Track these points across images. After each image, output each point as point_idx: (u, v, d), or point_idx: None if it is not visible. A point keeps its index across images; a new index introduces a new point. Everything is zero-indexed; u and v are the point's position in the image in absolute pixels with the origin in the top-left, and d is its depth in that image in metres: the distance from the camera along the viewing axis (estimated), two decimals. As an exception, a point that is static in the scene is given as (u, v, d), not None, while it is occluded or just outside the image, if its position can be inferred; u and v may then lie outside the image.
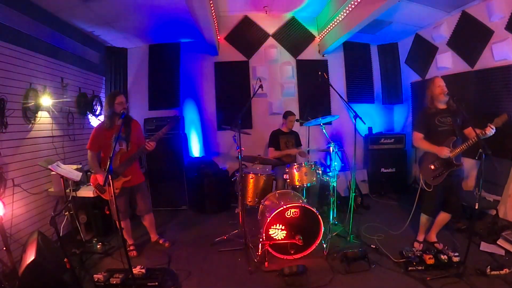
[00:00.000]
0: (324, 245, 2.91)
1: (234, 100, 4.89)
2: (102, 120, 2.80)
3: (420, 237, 3.02)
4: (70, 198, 2.91)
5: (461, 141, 2.60)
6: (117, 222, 2.88)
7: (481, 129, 2.41)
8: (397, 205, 4.39)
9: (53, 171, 2.79)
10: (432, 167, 2.71)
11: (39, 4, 3.16)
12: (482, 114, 3.40)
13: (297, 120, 4.47)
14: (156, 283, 2.39)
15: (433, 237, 2.99)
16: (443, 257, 2.50)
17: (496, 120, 2.40)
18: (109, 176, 1.99)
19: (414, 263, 2.52)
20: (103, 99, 4.56)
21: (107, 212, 2.87)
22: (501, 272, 2.36)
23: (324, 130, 3.40)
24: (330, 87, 4.14)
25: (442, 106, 2.74)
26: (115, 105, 2.76)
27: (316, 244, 2.90)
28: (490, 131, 2.37)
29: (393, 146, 4.94)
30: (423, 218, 2.93)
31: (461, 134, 2.65)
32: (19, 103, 2.86)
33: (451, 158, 2.59)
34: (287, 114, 4.08)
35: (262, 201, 3.18)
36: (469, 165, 3.75)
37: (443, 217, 2.88)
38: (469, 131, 2.61)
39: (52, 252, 2.35)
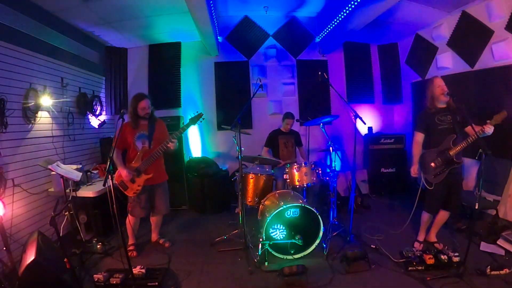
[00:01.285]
0: (324, 245, 2.91)
1: (234, 100, 4.89)
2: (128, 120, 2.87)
3: (421, 237, 3.02)
4: (70, 198, 2.90)
5: (461, 139, 2.61)
6: (128, 216, 2.94)
7: (480, 126, 2.42)
8: (397, 205, 4.39)
9: (53, 171, 2.79)
10: (433, 165, 2.72)
11: (39, 4, 3.16)
12: (482, 114, 3.40)
13: (297, 120, 4.47)
14: (156, 283, 2.39)
15: (433, 237, 2.99)
16: (443, 257, 2.50)
17: (495, 117, 2.41)
18: (110, 175, 2.00)
19: (414, 263, 2.53)
20: (103, 99, 4.57)
21: (129, 209, 2.92)
22: (501, 272, 2.36)
23: (324, 130, 3.40)
24: (330, 87, 4.15)
25: (442, 105, 2.76)
26: (138, 109, 2.84)
27: (316, 244, 2.90)
28: (489, 129, 2.39)
29: (393, 146, 4.95)
30: (425, 216, 2.93)
31: (462, 131, 2.67)
32: (19, 103, 2.86)
33: (451, 156, 2.60)
34: (284, 117, 4.03)
35: (262, 201, 3.18)
36: (469, 165, 3.76)
37: (442, 215, 2.89)
38: (469, 129, 2.62)
39: (52, 252, 2.35)
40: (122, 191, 2.86)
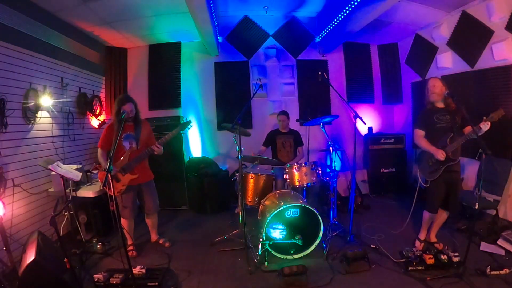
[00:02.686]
0: (324, 245, 2.91)
1: (234, 100, 4.89)
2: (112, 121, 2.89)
3: (422, 235, 3.02)
4: (70, 198, 2.90)
5: (458, 137, 2.62)
6: (121, 221, 2.93)
7: (477, 125, 2.42)
8: (397, 205, 4.39)
9: (53, 171, 2.79)
10: (430, 163, 2.75)
11: (39, 4, 3.16)
12: (482, 114, 3.40)
13: (297, 120, 4.48)
14: (156, 283, 2.39)
15: (433, 237, 2.99)
16: (443, 257, 2.50)
17: (492, 114, 2.40)
18: (109, 175, 2.00)
19: (414, 263, 2.53)
20: (103, 99, 4.56)
21: (112, 208, 2.88)
22: (501, 272, 2.36)
23: (324, 130, 3.40)
24: (330, 87, 4.15)
25: (440, 105, 2.77)
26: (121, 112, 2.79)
27: (316, 244, 2.90)
28: (485, 125, 2.37)
29: (393, 146, 4.94)
30: (426, 215, 2.92)
31: (459, 131, 2.68)
32: (19, 103, 2.86)
33: (448, 153, 2.62)
34: (278, 114, 4.08)
35: (262, 201, 3.18)
36: (469, 165, 3.77)
37: (441, 215, 2.90)
38: (467, 129, 2.64)
39: (52, 252, 2.35)
40: (107, 191, 2.81)
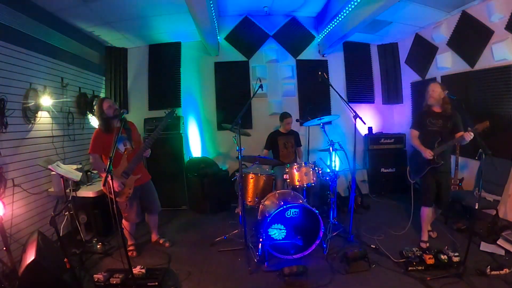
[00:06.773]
0: (324, 245, 2.91)
1: (234, 100, 4.88)
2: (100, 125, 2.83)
3: (424, 237, 3.03)
4: (70, 198, 2.90)
5: (446, 141, 2.80)
6: (123, 222, 2.94)
7: (464, 132, 2.60)
8: (397, 205, 4.39)
9: (53, 171, 2.78)
10: (418, 161, 2.93)
11: (39, 4, 3.16)
12: (482, 114, 3.40)
13: (297, 120, 4.47)
14: (156, 283, 2.39)
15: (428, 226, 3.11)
16: (443, 257, 2.50)
17: (477, 126, 2.54)
18: (110, 175, 2.00)
19: (414, 263, 2.53)
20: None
21: (125, 215, 2.91)
22: (501, 272, 2.36)
23: (324, 130, 3.40)
24: (330, 87, 4.15)
25: (437, 109, 2.88)
26: (105, 111, 2.75)
27: (316, 244, 2.90)
28: (469, 136, 2.55)
29: (393, 146, 4.95)
30: (424, 211, 2.97)
31: (448, 136, 2.82)
32: (19, 103, 2.86)
33: (434, 154, 2.79)
34: (283, 117, 4.03)
35: (262, 201, 3.18)
36: (469, 165, 3.77)
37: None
38: (459, 135, 2.77)
39: (52, 252, 2.35)
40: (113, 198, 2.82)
